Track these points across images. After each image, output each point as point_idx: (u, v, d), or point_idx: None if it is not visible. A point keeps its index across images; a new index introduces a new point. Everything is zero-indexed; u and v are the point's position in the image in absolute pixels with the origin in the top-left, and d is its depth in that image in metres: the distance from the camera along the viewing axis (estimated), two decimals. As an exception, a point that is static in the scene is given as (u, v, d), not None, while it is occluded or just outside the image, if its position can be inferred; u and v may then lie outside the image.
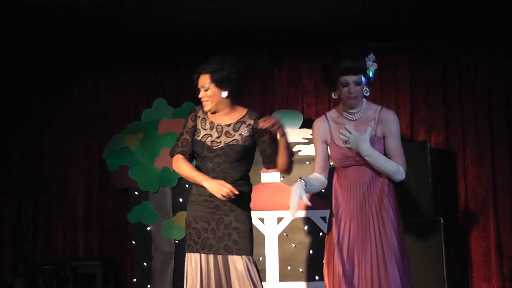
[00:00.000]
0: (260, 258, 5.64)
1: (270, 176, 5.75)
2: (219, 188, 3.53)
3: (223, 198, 3.54)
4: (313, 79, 6.17)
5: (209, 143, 3.68)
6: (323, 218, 5.61)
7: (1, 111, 6.50)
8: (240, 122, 3.72)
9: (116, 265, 6.15)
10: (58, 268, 5.79)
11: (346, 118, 3.62)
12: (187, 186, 5.53)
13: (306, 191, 3.48)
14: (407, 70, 6.06)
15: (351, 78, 3.49)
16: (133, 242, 5.97)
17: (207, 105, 3.71)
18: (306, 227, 5.65)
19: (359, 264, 3.48)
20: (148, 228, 5.93)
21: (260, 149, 3.75)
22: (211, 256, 3.64)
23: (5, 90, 6.51)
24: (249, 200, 3.77)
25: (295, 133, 5.70)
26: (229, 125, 3.72)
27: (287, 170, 3.75)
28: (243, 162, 3.71)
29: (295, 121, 5.80)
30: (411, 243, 5.15)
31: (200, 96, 3.74)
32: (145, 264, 5.90)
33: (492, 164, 5.80)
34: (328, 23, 5.52)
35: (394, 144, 3.55)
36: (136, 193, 5.96)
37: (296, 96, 6.18)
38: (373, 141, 3.51)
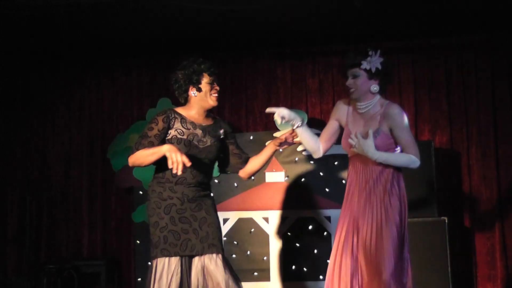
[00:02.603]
0: (264, 258, 5.64)
1: (274, 176, 5.75)
2: (175, 152, 3.48)
3: (171, 165, 3.47)
4: (317, 78, 6.17)
5: (196, 142, 3.73)
6: (327, 218, 5.61)
7: (4, 111, 6.50)
8: (216, 124, 3.87)
9: (120, 265, 6.15)
10: (62, 268, 5.79)
11: (357, 111, 3.71)
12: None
13: (300, 126, 3.77)
14: (410, 70, 6.06)
15: (350, 72, 3.66)
16: (137, 242, 5.96)
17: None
18: (310, 227, 5.64)
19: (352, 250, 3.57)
20: (152, 228, 5.92)
21: (230, 150, 3.92)
22: (190, 258, 3.63)
23: (8, 90, 6.51)
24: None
25: (299, 133, 5.68)
26: (209, 125, 3.82)
27: (253, 175, 4.04)
28: (214, 163, 3.89)
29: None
30: (416, 242, 5.14)
31: (215, 91, 3.82)
32: (149, 263, 5.87)
33: (497, 163, 5.80)
34: (332, 22, 5.52)
35: (403, 135, 3.59)
36: (140, 192, 5.96)
37: (300, 96, 6.18)
38: (376, 135, 3.56)
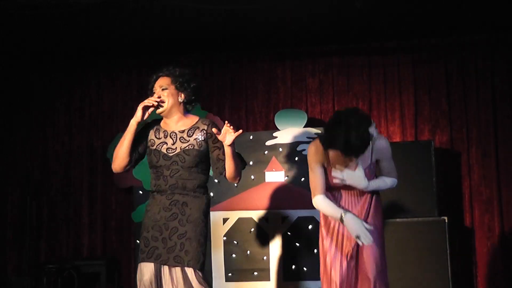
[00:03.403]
0: (264, 258, 5.64)
1: (274, 175, 5.75)
2: (140, 106, 3.58)
3: (145, 104, 3.57)
4: (317, 78, 6.17)
5: (164, 151, 3.68)
6: (327, 217, 5.61)
7: (4, 111, 6.50)
8: (194, 128, 3.74)
9: (120, 265, 6.15)
10: (62, 268, 5.79)
11: None
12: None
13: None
14: (411, 70, 6.06)
15: None
16: (137, 242, 5.93)
17: (164, 102, 3.68)
18: (310, 226, 5.64)
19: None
20: (152, 228, 5.92)
21: (214, 155, 3.72)
22: (157, 266, 3.57)
23: (8, 90, 6.52)
24: (207, 212, 3.73)
25: (299, 133, 5.69)
26: (182, 131, 3.73)
27: (235, 178, 3.74)
28: (200, 168, 3.70)
29: (299, 120, 5.79)
30: (416, 242, 5.17)
31: (157, 94, 3.70)
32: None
33: (497, 163, 5.80)
34: (332, 22, 5.52)
35: (389, 165, 3.76)
36: (140, 192, 5.96)
37: (300, 96, 6.18)
38: (370, 169, 3.69)
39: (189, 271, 3.54)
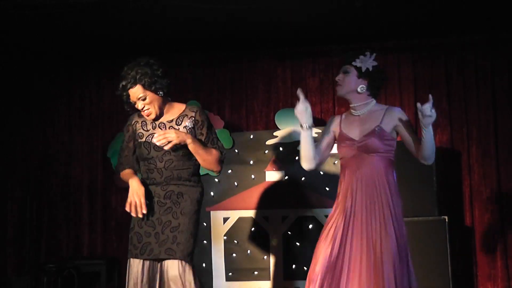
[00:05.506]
0: (265, 257, 5.64)
1: (274, 175, 5.75)
2: (133, 194, 3.52)
3: (128, 207, 3.52)
4: (317, 77, 6.17)
5: (155, 141, 3.64)
6: (328, 217, 5.60)
7: (4, 111, 6.50)
8: (182, 115, 3.73)
9: (120, 264, 6.14)
10: (62, 267, 5.79)
11: (353, 115, 3.67)
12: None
13: (307, 130, 3.60)
14: (411, 69, 6.06)
15: (342, 68, 3.65)
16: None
17: (151, 113, 3.67)
18: (310, 226, 5.64)
19: (350, 254, 3.43)
20: (152, 227, 5.92)
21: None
22: (148, 262, 3.57)
23: (8, 90, 6.52)
24: (201, 201, 3.72)
25: (299, 132, 5.69)
26: (171, 120, 3.72)
27: (208, 169, 3.75)
28: (191, 156, 3.67)
29: (299, 119, 5.79)
30: (416, 242, 5.14)
31: (140, 108, 3.67)
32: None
33: (497, 162, 5.80)
34: (332, 21, 5.52)
35: (412, 133, 3.56)
36: (141, 192, 5.95)
37: (300, 95, 6.18)
38: (376, 132, 3.51)
39: (180, 264, 3.52)
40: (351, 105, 3.67)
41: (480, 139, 5.87)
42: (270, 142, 5.78)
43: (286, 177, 5.73)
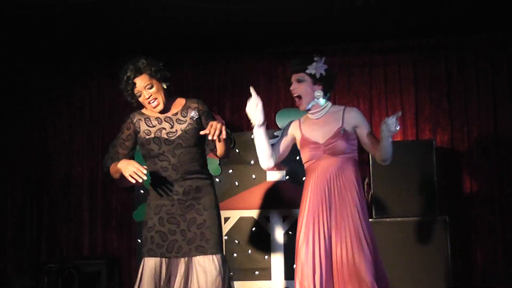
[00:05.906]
0: (266, 257, 5.65)
1: (275, 175, 5.76)
2: (126, 166, 3.44)
3: (131, 179, 3.41)
4: (317, 77, 6.17)
5: (165, 136, 3.62)
6: (328, 217, 5.61)
7: (5, 111, 6.50)
8: (185, 108, 3.70)
9: (120, 264, 6.15)
10: (62, 267, 5.80)
11: (311, 118, 3.76)
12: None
13: (260, 127, 3.74)
14: (411, 69, 6.06)
15: (294, 77, 3.71)
16: (138, 241, 5.96)
17: (160, 103, 3.63)
18: (310, 226, 5.64)
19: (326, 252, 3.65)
20: (153, 227, 5.92)
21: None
22: (166, 260, 3.54)
23: (8, 90, 6.52)
24: (216, 194, 3.72)
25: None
26: (176, 113, 3.69)
27: (224, 157, 3.80)
28: (199, 147, 3.67)
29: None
30: (417, 242, 5.17)
31: (147, 97, 3.64)
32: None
33: (497, 162, 5.80)
34: (332, 22, 5.52)
35: (370, 134, 3.64)
36: (141, 191, 5.97)
37: (301, 95, 6.18)
38: (341, 133, 3.59)
39: (215, 258, 3.52)
40: (310, 112, 3.74)
41: (480, 139, 5.87)
42: (271, 142, 5.77)
43: (287, 177, 5.73)
